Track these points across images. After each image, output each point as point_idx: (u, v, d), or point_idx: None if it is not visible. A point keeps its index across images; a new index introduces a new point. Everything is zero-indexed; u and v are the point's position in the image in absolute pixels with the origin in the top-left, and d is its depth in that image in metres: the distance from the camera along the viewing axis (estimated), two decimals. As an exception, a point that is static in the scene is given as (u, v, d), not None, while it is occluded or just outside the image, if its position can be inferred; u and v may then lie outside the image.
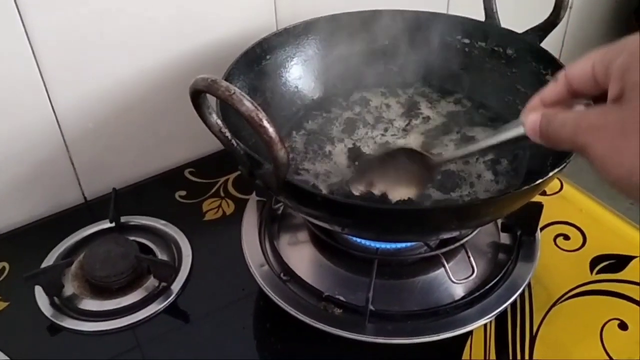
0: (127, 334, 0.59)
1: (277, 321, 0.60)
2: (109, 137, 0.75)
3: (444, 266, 0.59)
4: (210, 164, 0.80)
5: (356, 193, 0.57)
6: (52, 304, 0.62)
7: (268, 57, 0.69)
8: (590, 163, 0.33)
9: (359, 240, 0.62)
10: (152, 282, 0.63)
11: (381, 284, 0.60)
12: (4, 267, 0.67)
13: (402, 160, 0.58)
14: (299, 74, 0.72)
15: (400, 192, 0.56)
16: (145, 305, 0.61)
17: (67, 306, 0.62)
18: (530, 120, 0.38)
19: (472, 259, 0.60)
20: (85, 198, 0.76)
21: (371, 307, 0.57)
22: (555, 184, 0.75)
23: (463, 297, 0.60)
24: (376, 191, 0.57)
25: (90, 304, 0.62)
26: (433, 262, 0.62)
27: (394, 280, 0.62)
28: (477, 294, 0.60)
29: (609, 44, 0.34)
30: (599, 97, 0.36)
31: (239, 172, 0.75)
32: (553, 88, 0.38)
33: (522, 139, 0.41)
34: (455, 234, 0.58)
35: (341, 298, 0.59)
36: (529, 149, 0.63)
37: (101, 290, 0.63)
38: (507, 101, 0.68)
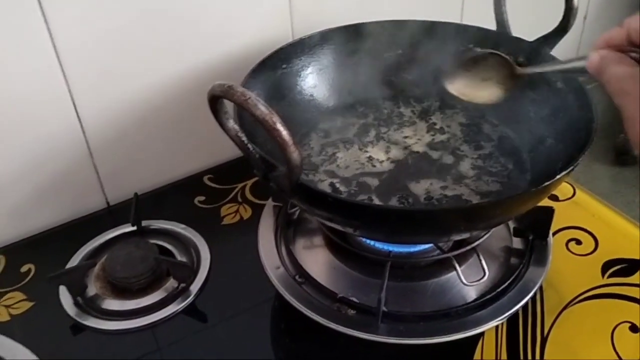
0: (147, 333, 0.61)
1: (292, 322, 0.61)
2: (131, 144, 0.77)
3: (455, 269, 0.60)
4: (229, 170, 0.82)
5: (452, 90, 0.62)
6: (76, 303, 0.64)
7: (284, 66, 0.71)
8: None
9: (372, 243, 0.64)
10: (171, 283, 0.65)
11: (394, 285, 0.61)
12: (29, 269, 0.69)
13: (491, 64, 0.61)
14: (314, 82, 0.74)
15: (482, 95, 0.61)
16: (165, 306, 0.63)
17: (89, 306, 0.64)
18: (592, 58, 0.42)
19: (483, 262, 0.61)
20: (108, 203, 0.79)
21: (384, 308, 0.58)
22: (568, 190, 0.76)
23: (475, 299, 0.61)
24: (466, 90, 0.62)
25: (112, 304, 0.64)
26: (445, 265, 0.63)
27: (407, 282, 0.63)
28: (489, 296, 0.61)
29: None
30: None
31: (256, 179, 0.78)
32: (616, 33, 0.41)
33: (585, 71, 0.44)
34: (465, 235, 0.59)
35: (354, 299, 0.60)
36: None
37: (122, 291, 0.65)
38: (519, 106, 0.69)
